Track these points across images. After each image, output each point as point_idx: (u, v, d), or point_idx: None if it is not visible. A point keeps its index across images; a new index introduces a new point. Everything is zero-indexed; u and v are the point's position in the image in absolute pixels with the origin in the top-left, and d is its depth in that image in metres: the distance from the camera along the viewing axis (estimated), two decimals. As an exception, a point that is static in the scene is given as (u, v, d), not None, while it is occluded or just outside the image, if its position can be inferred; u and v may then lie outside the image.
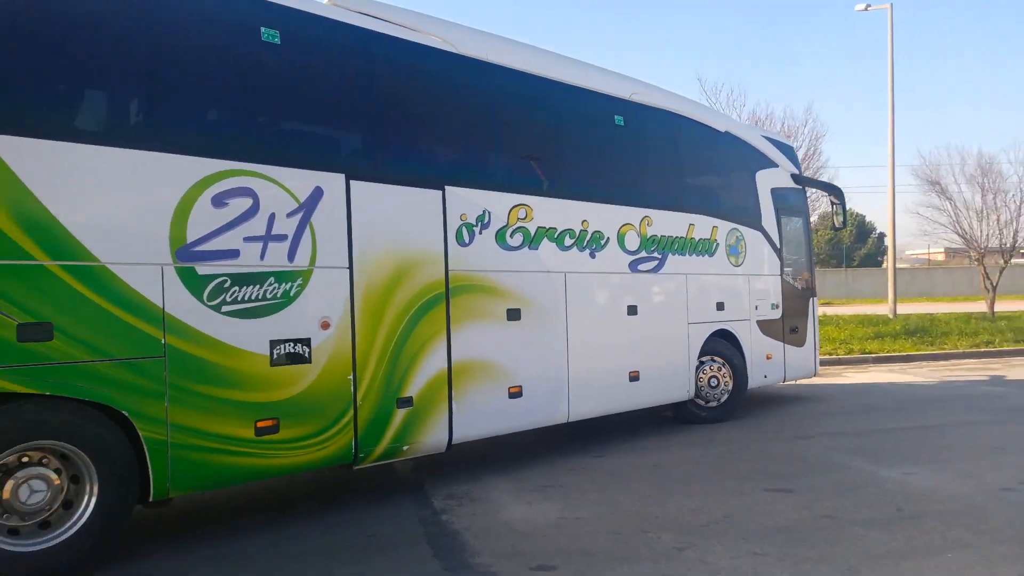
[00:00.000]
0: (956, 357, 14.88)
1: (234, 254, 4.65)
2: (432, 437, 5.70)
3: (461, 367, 5.87)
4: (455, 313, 5.86)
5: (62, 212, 4.02)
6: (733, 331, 8.66)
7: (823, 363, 11.91)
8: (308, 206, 5.02)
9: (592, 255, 7.02)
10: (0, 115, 3.92)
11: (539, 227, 6.52)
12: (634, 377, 7.38)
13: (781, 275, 9.45)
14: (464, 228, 5.95)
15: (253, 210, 4.75)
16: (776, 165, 9.58)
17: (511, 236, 6.30)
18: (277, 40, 4.96)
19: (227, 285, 4.61)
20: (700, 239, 8.22)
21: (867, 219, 50.82)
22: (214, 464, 4.55)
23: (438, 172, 5.98)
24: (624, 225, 7.34)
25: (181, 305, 4.42)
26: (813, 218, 9.26)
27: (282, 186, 4.89)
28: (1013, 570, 3.89)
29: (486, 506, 5.33)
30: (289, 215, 4.92)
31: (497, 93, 6.49)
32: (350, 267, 5.22)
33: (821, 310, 13.49)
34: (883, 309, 22.57)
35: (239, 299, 4.66)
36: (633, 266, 7.45)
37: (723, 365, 8.51)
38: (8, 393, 3.84)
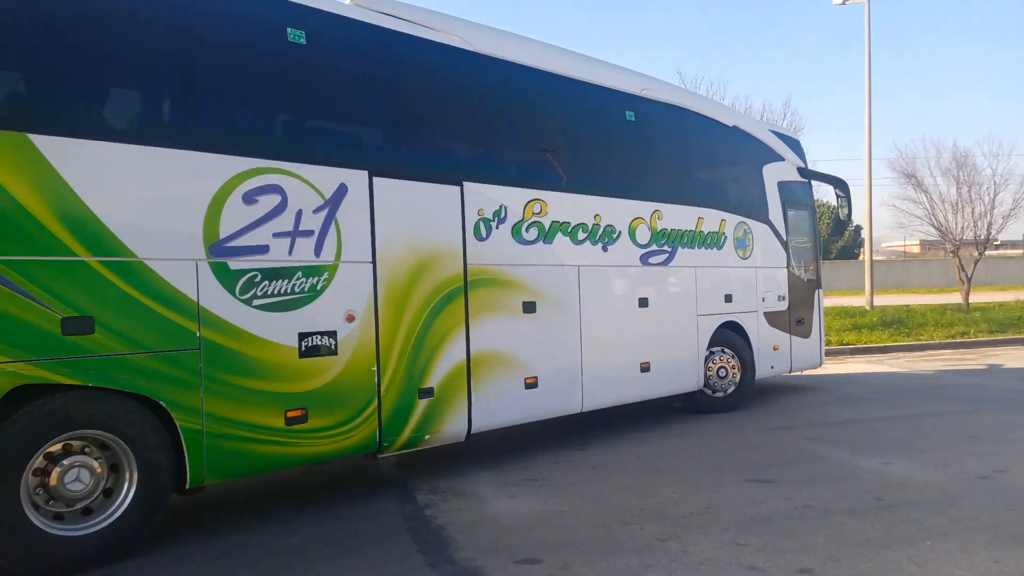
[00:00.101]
0: (932, 348, 15.04)
1: (264, 249, 4.80)
2: (452, 427, 5.86)
3: (479, 358, 6.03)
4: (473, 306, 6.01)
5: (102, 209, 4.16)
6: (741, 323, 8.81)
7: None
8: (333, 202, 5.16)
9: (604, 248, 7.16)
10: (44, 117, 4.07)
11: (553, 221, 6.67)
12: (645, 368, 7.54)
13: (788, 267, 9.60)
14: (481, 223, 6.09)
15: (281, 207, 4.89)
16: (783, 159, 9.72)
17: (526, 230, 6.45)
18: (303, 40, 5.09)
19: (258, 279, 4.76)
20: (709, 232, 8.36)
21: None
22: (247, 453, 4.71)
23: (456, 168, 6.12)
24: (635, 219, 7.49)
25: (215, 299, 4.57)
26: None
27: (308, 183, 5.03)
28: (989, 556, 3.95)
29: (470, 500, 5.32)
30: (315, 211, 5.07)
31: (512, 90, 6.62)
32: (373, 261, 5.37)
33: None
34: (860, 301, 22.81)
35: (269, 293, 4.81)
36: (644, 259, 7.59)
37: (731, 356, 8.67)
38: (54, 384, 4.00)
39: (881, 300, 24.41)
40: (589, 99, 7.25)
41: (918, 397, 9.26)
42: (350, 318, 5.21)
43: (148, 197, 4.38)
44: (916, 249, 53.51)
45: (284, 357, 4.87)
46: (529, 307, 6.43)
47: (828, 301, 26.42)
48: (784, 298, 9.52)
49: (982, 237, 22.17)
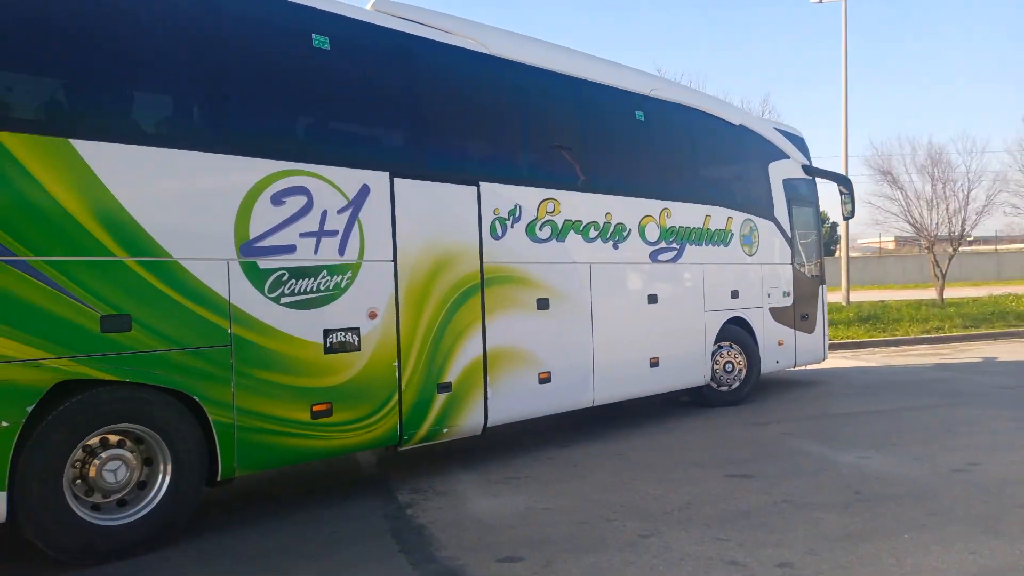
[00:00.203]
0: (907, 343, 15.18)
1: (291, 249, 4.96)
2: (469, 420, 6.02)
3: (495, 354, 6.19)
4: (489, 303, 6.16)
5: (138, 211, 4.31)
6: (747, 318, 8.98)
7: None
8: (356, 203, 5.31)
9: (615, 246, 7.32)
10: (84, 122, 4.22)
11: (566, 220, 6.82)
12: (654, 363, 7.70)
13: (792, 264, 9.76)
14: (497, 222, 6.25)
15: (307, 207, 5.05)
16: (787, 156, 9.86)
17: (540, 229, 6.60)
18: (327, 46, 5.23)
19: (285, 278, 4.92)
20: (716, 230, 8.52)
21: (820, 208, 51.38)
22: (275, 445, 4.88)
23: (473, 169, 6.27)
24: (645, 217, 7.64)
25: (245, 297, 4.73)
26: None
27: (333, 184, 5.19)
28: (965, 548, 4.03)
29: (451, 499, 5.30)
30: (339, 212, 5.22)
31: (527, 91, 6.77)
32: (394, 260, 5.52)
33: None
34: (836, 297, 23.04)
35: (296, 291, 4.97)
36: (653, 256, 7.75)
37: (738, 351, 8.84)
38: (94, 380, 4.16)
39: (857, 296, 24.62)
40: (600, 100, 7.40)
41: (894, 392, 9.36)
42: (372, 315, 5.37)
43: (182, 199, 4.53)
44: (891, 245, 53.97)
45: (310, 353, 5.03)
46: (543, 304, 6.59)
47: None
48: (789, 294, 9.69)
49: (956, 233, 22.34)
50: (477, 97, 6.41)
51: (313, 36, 5.19)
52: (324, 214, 5.13)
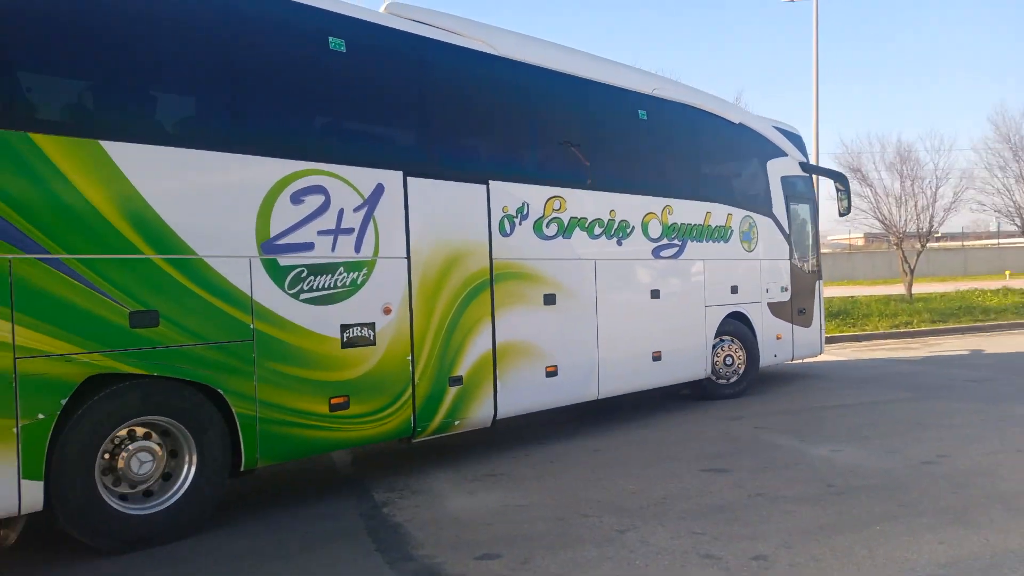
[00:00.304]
0: (877, 338, 15.38)
1: (310, 247, 5.10)
2: (480, 413, 6.18)
3: (504, 348, 6.35)
4: (498, 298, 6.32)
5: (164, 210, 4.45)
6: (746, 313, 9.16)
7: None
8: (371, 201, 5.46)
9: (619, 243, 7.48)
10: (113, 124, 4.36)
11: (572, 217, 6.98)
12: (657, 357, 7.87)
13: (790, 259, 9.94)
14: (506, 219, 6.40)
15: (325, 206, 5.19)
16: (785, 154, 10.04)
17: (547, 226, 6.76)
18: (343, 49, 5.37)
19: (304, 275, 5.06)
20: (716, 226, 8.69)
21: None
22: (295, 437, 5.03)
23: (483, 167, 6.41)
24: (647, 214, 7.80)
25: (266, 293, 4.87)
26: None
27: (349, 183, 5.33)
28: (935, 538, 4.12)
29: (428, 497, 5.28)
30: (355, 210, 5.36)
31: (534, 91, 6.91)
32: (408, 257, 5.67)
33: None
34: None
35: (315, 287, 5.12)
36: (656, 252, 7.92)
37: (737, 345, 9.02)
38: (123, 374, 4.30)
39: (827, 291, 24.81)
40: (604, 99, 7.55)
41: (864, 386, 9.50)
42: (387, 310, 5.52)
43: (206, 198, 4.68)
44: (861, 242, 54.66)
45: (328, 347, 5.18)
46: (550, 299, 6.75)
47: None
48: (787, 289, 9.88)
49: (924, 230, 22.63)
50: (486, 97, 6.56)
51: (329, 39, 5.32)
52: (341, 212, 5.28)
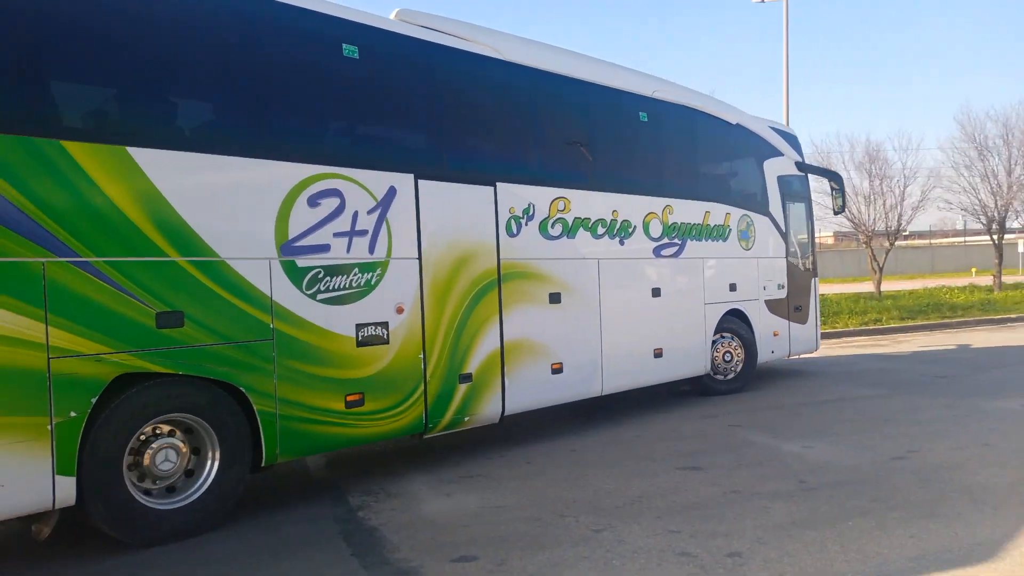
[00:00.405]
0: (847, 335, 15.58)
1: (326, 248, 5.25)
2: (488, 409, 6.35)
3: (512, 346, 6.51)
4: (505, 298, 6.48)
5: (188, 213, 4.60)
6: (744, 310, 9.35)
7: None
8: (384, 204, 5.61)
9: (621, 242, 7.65)
10: (140, 131, 4.50)
11: (576, 218, 7.14)
12: (658, 354, 8.05)
13: (786, 257, 10.14)
14: (512, 220, 6.56)
15: (340, 209, 5.34)
16: (782, 154, 10.23)
17: (552, 227, 6.92)
18: (356, 55, 5.52)
19: (321, 276, 5.22)
20: (715, 225, 8.87)
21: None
22: (312, 433, 5.18)
23: (490, 170, 6.56)
24: (648, 214, 7.98)
25: (285, 294, 5.03)
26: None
27: (363, 187, 5.48)
28: (905, 533, 4.21)
29: (404, 500, 5.24)
30: (369, 212, 5.52)
31: (539, 95, 7.08)
32: (419, 258, 5.83)
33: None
34: None
35: (331, 288, 5.27)
36: (656, 252, 8.10)
37: (736, 342, 9.22)
38: (150, 372, 4.45)
39: None
40: (607, 102, 7.71)
41: (834, 383, 9.66)
42: (400, 310, 5.68)
43: (228, 202, 4.82)
44: (830, 240, 55.30)
45: (344, 346, 5.34)
46: (555, 298, 6.92)
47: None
48: (783, 286, 10.07)
49: (893, 228, 22.98)
50: (493, 101, 6.72)
51: (343, 46, 5.47)
52: (355, 215, 5.43)
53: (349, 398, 5.36)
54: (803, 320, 10.48)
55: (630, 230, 7.74)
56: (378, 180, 5.59)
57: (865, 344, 14.23)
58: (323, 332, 5.22)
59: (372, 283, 5.52)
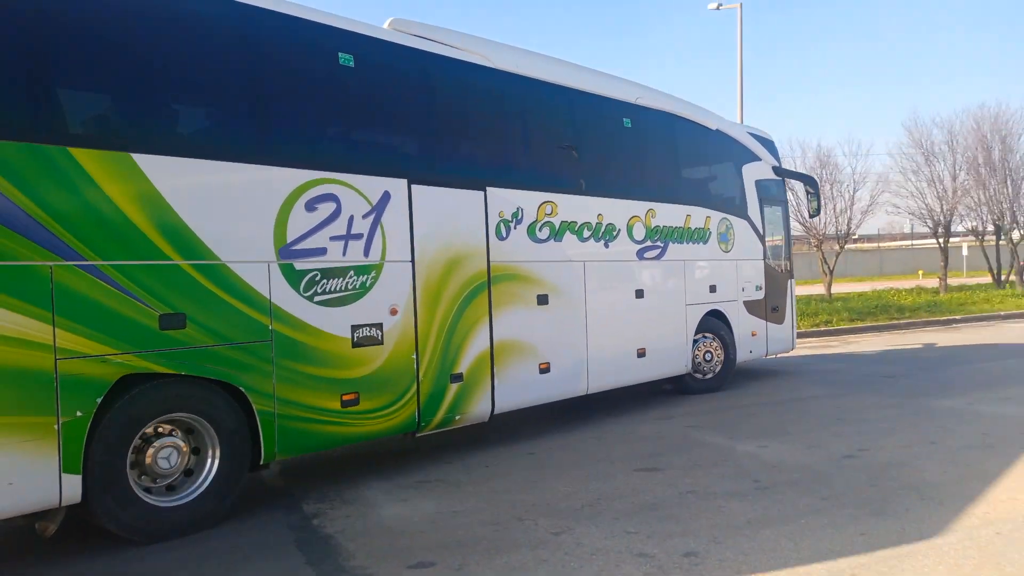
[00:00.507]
0: (799, 336, 15.59)
1: (322, 251, 5.39)
2: (479, 408, 6.52)
3: (501, 346, 6.68)
4: (495, 299, 6.65)
5: (190, 218, 4.71)
6: (724, 311, 9.61)
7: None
8: (379, 208, 5.76)
9: (606, 245, 7.86)
10: (144, 137, 4.61)
11: (562, 221, 7.33)
12: (641, 353, 8.27)
13: (764, 259, 10.42)
14: (502, 224, 6.74)
15: (336, 213, 5.48)
16: (759, 159, 10.51)
17: (540, 230, 7.11)
18: (352, 64, 5.66)
19: (318, 278, 5.35)
20: (695, 228, 9.12)
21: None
22: (309, 432, 5.32)
23: (480, 175, 6.72)
24: (632, 217, 8.19)
25: (283, 296, 5.15)
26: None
27: (358, 191, 5.62)
28: (856, 530, 4.30)
29: (359, 507, 5.17)
30: (364, 216, 5.66)
31: (528, 102, 7.26)
32: (412, 260, 5.98)
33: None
34: None
35: (327, 290, 5.41)
36: (640, 254, 8.31)
37: (716, 342, 9.47)
38: (153, 373, 4.56)
39: None
40: (592, 108, 7.91)
41: (786, 383, 9.88)
42: (393, 311, 5.83)
43: (228, 206, 4.94)
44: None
45: (340, 346, 5.47)
46: (543, 299, 7.11)
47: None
48: (761, 288, 10.35)
49: (843, 232, 23.58)
50: (483, 108, 6.88)
51: (339, 54, 5.61)
52: (351, 219, 5.57)
53: (345, 397, 5.50)
54: (780, 320, 10.77)
55: (614, 233, 7.95)
56: (373, 185, 5.73)
57: (816, 345, 14.54)
58: (320, 333, 5.35)
59: (367, 285, 5.66)
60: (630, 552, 4.13)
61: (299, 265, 5.25)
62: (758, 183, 10.37)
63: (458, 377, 6.32)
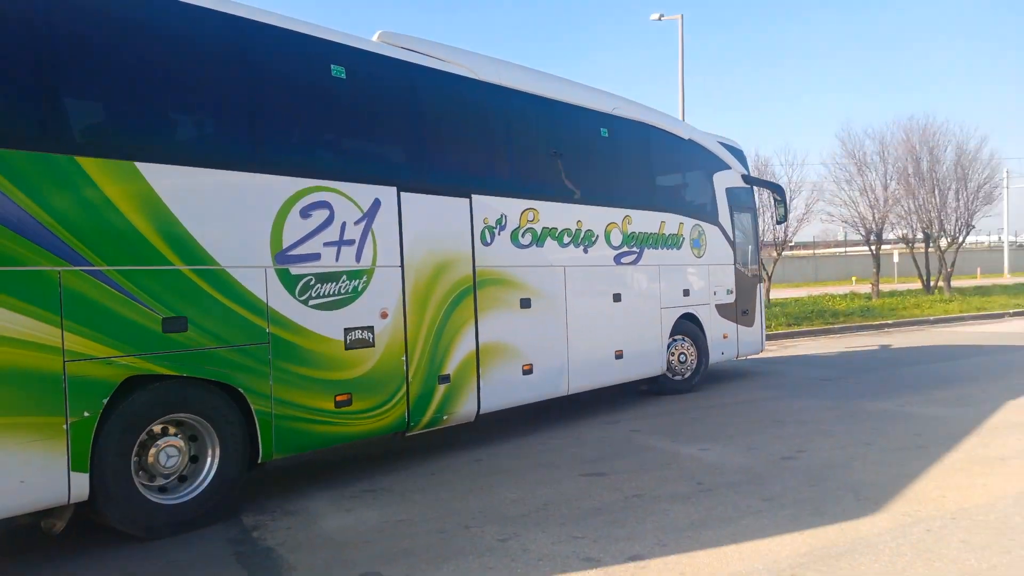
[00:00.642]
0: None
1: (317, 257, 5.58)
2: (465, 408, 6.74)
3: (486, 348, 6.92)
4: (480, 303, 6.89)
5: (192, 225, 4.87)
6: (696, 314, 9.96)
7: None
8: (370, 215, 5.96)
9: (585, 251, 8.14)
10: (147, 147, 4.77)
11: (544, 227, 7.60)
12: (619, 355, 8.56)
13: (735, 264, 10.80)
14: (487, 230, 6.98)
15: (330, 220, 5.67)
16: (729, 167, 10.90)
17: (522, 236, 7.36)
18: (343, 75, 5.87)
19: (312, 283, 5.54)
20: (669, 234, 9.45)
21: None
22: (305, 431, 5.49)
23: (466, 182, 6.95)
24: (610, 224, 8.49)
25: (280, 300, 5.33)
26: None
27: (350, 199, 5.82)
28: (796, 529, 4.41)
29: (302, 518, 5.07)
30: (356, 223, 5.86)
31: (511, 112, 7.52)
32: (401, 265, 6.19)
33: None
34: None
35: (321, 294, 5.60)
36: (617, 259, 8.61)
37: (690, 344, 9.81)
38: (156, 375, 4.71)
39: None
40: (571, 118, 8.21)
41: (725, 387, 10.11)
42: (384, 315, 6.03)
43: (228, 213, 5.11)
44: None
45: (334, 349, 5.66)
46: (525, 303, 7.36)
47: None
48: (732, 292, 10.73)
49: (780, 239, 24.27)
50: (469, 118, 7.13)
51: (332, 66, 5.81)
52: (343, 225, 5.76)
53: (338, 398, 5.68)
54: (750, 323, 11.16)
55: (593, 239, 8.24)
56: (364, 193, 5.93)
57: (756, 349, 14.89)
58: (315, 336, 5.54)
59: (359, 290, 5.86)
60: (577, 557, 4.18)
61: (294, 270, 5.44)
62: (728, 191, 10.75)
63: (446, 378, 6.54)
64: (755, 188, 11.86)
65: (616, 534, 4.50)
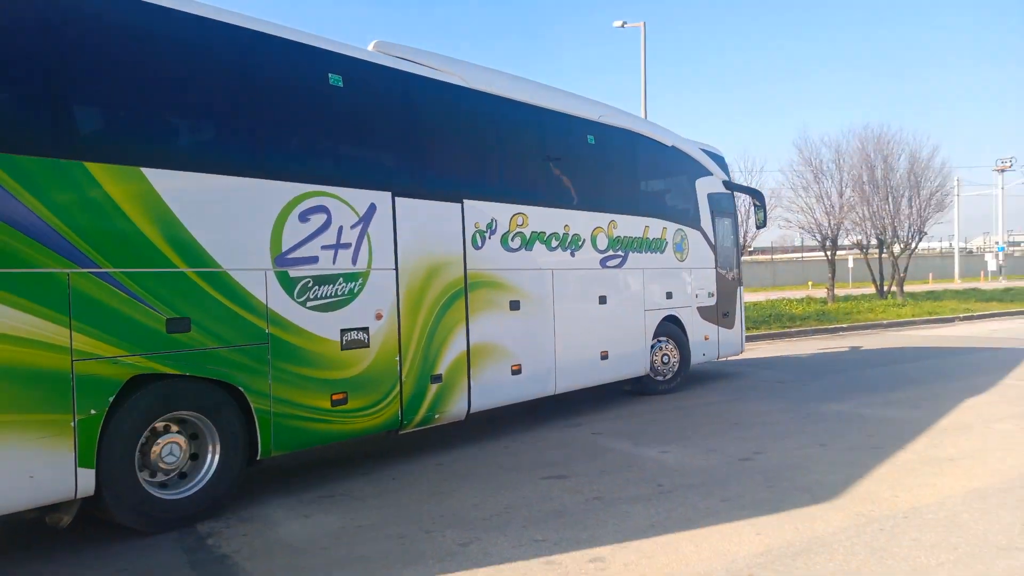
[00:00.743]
0: None
1: (314, 260, 5.74)
2: (456, 407, 6.92)
3: (477, 349, 7.11)
4: (471, 305, 7.08)
5: (195, 228, 5.02)
6: (679, 316, 10.21)
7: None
8: (366, 219, 6.13)
9: (572, 254, 8.36)
10: (153, 153, 4.91)
11: (533, 231, 7.81)
12: (604, 356, 8.79)
13: (716, 268, 11.08)
14: (478, 234, 7.17)
15: (327, 224, 5.84)
16: (711, 173, 11.18)
17: (512, 240, 7.56)
18: (340, 84, 6.03)
19: (310, 285, 5.70)
20: (653, 238, 9.70)
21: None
22: (302, 429, 5.65)
23: (458, 188, 7.14)
24: (596, 228, 8.72)
25: (279, 302, 5.49)
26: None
27: (347, 203, 5.99)
28: (753, 530, 4.52)
29: (258, 525, 5.00)
30: (352, 227, 6.02)
31: (501, 119, 7.72)
32: (396, 268, 6.36)
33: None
34: None
35: (319, 296, 5.76)
36: (603, 263, 8.84)
37: (672, 345, 10.06)
38: (160, 374, 4.85)
39: None
40: (559, 126, 8.42)
41: (686, 390, 10.16)
42: (379, 316, 6.20)
43: (229, 217, 5.26)
44: None
45: (330, 349, 5.82)
46: (515, 305, 7.56)
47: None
48: (713, 294, 11.00)
49: (741, 244, 24.56)
50: (460, 124, 7.32)
51: (329, 75, 5.98)
52: (340, 229, 5.93)
53: (335, 397, 5.84)
54: (730, 325, 11.44)
55: (580, 243, 8.46)
56: (360, 197, 6.10)
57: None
58: (312, 336, 5.70)
59: (355, 291, 6.03)
60: (538, 560, 4.20)
61: (293, 273, 5.59)
62: (710, 196, 11.03)
63: (438, 378, 6.72)
64: (735, 193, 12.13)
65: (577, 536, 4.53)
